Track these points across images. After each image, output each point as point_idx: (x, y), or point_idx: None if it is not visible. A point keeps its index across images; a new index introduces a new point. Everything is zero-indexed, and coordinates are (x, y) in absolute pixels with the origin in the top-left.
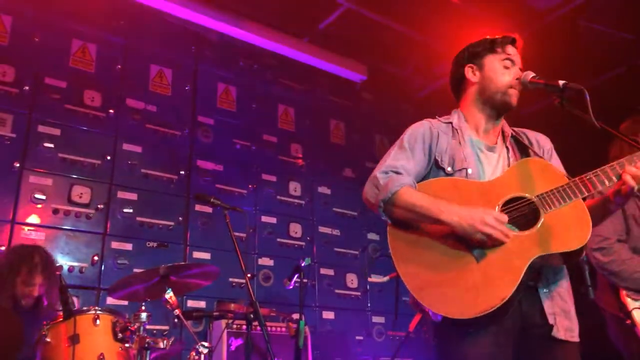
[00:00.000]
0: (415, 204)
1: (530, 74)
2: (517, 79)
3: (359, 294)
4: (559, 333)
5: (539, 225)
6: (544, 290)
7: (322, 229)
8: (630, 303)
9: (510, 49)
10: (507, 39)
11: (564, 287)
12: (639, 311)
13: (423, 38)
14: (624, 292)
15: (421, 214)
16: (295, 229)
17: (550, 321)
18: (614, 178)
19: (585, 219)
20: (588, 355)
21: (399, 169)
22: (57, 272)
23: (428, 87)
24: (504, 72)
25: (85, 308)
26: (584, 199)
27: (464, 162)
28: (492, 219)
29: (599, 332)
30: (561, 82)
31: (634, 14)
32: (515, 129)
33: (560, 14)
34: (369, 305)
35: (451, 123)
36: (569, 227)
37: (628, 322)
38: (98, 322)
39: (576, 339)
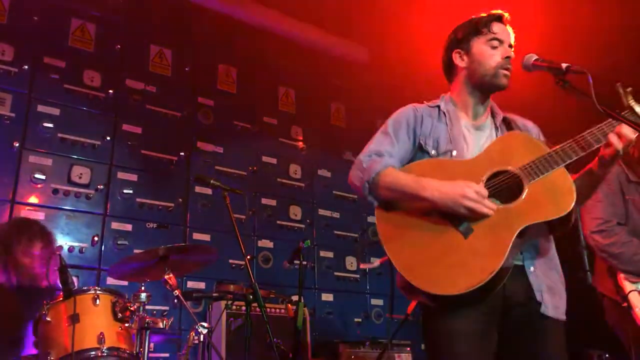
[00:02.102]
0: (398, 183)
1: (533, 57)
2: (506, 57)
3: (357, 276)
4: (547, 310)
5: (523, 196)
6: (530, 267)
7: (321, 212)
8: (628, 286)
9: (496, 27)
10: (492, 17)
11: (550, 264)
12: (636, 294)
13: (426, 21)
14: (621, 275)
15: (404, 193)
16: (295, 212)
17: (538, 298)
18: (594, 143)
19: (568, 187)
20: (586, 339)
21: (382, 152)
22: (58, 252)
23: (430, 71)
24: (491, 53)
25: (85, 288)
26: (570, 172)
27: (448, 144)
28: (473, 192)
29: (596, 316)
30: (564, 65)
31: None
32: (506, 114)
33: None
34: (367, 287)
35: (438, 107)
36: (553, 195)
37: (624, 304)
38: (98, 301)
39: (561, 317)
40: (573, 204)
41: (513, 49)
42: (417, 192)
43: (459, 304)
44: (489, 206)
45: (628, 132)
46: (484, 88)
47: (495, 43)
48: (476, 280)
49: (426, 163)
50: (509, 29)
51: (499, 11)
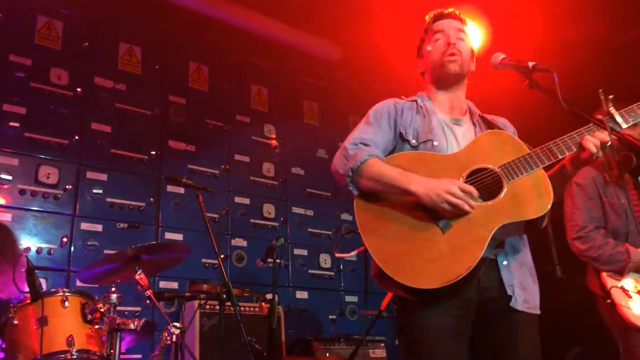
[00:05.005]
0: (384, 174)
1: (501, 56)
2: (448, 43)
3: (332, 273)
4: (517, 304)
5: (502, 195)
6: (503, 262)
7: (295, 210)
8: (610, 283)
9: (436, 25)
10: (431, 19)
11: (523, 260)
12: (617, 290)
13: (398, 18)
14: (604, 274)
15: (389, 185)
16: (269, 210)
17: (509, 292)
18: (573, 147)
19: (547, 188)
20: (559, 333)
21: (367, 141)
22: (24, 254)
23: (402, 68)
24: (435, 46)
25: (53, 290)
26: (545, 169)
27: (428, 134)
28: (457, 189)
29: (570, 310)
30: (530, 63)
31: None
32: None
33: None
34: (341, 284)
35: (415, 101)
36: (531, 196)
37: (608, 301)
38: (66, 303)
39: (533, 310)
40: (550, 205)
41: (464, 33)
42: (403, 185)
43: (435, 297)
44: (470, 203)
45: (603, 136)
46: (441, 81)
47: (438, 36)
48: (454, 275)
49: (408, 156)
50: (454, 19)
51: (438, 10)
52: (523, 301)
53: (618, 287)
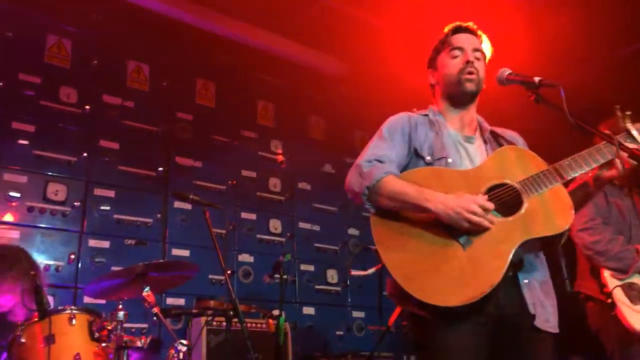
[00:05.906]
0: (400, 192)
1: (507, 71)
2: (467, 62)
3: (339, 289)
4: (539, 323)
5: (522, 210)
6: (524, 280)
7: (302, 225)
8: (612, 282)
9: (455, 38)
10: (450, 30)
11: (542, 278)
12: (620, 290)
13: (403, 34)
14: (605, 274)
15: (406, 202)
16: (275, 225)
17: (532, 311)
18: (592, 163)
19: (567, 203)
20: (567, 345)
21: (382, 157)
22: (32, 272)
23: (408, 83)
24: (452, 62)
25: (60, 307)
26: (565, 184)
27: (442, 151)
28: (478, 207)
29: (577, 322)
30: (537, 79)
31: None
32: (492, 127)
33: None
34: (349, 300)
35: (427, 115)
36: (551, 211)
37: (609, 301)
38: (74, 321)
39: (552, 330)
40: (571, 221)
41: (480, 53)
42: (420, 203)
43: (455, 315)
44: (490, 220)
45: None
46: (456, 98)
47: (456, 52)
48: (477, 292)
49: (424, 172)
50: (472, 35)
51: (457, 23)
52: (545, 320)
53: (621, 287)
